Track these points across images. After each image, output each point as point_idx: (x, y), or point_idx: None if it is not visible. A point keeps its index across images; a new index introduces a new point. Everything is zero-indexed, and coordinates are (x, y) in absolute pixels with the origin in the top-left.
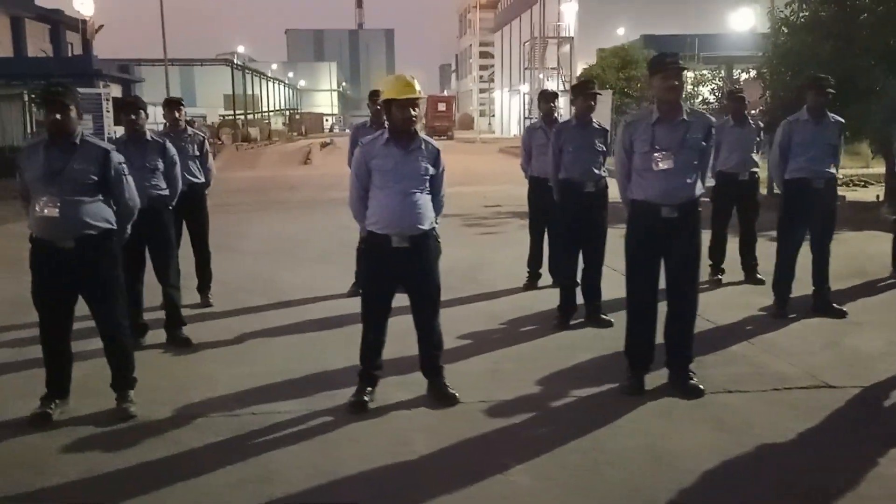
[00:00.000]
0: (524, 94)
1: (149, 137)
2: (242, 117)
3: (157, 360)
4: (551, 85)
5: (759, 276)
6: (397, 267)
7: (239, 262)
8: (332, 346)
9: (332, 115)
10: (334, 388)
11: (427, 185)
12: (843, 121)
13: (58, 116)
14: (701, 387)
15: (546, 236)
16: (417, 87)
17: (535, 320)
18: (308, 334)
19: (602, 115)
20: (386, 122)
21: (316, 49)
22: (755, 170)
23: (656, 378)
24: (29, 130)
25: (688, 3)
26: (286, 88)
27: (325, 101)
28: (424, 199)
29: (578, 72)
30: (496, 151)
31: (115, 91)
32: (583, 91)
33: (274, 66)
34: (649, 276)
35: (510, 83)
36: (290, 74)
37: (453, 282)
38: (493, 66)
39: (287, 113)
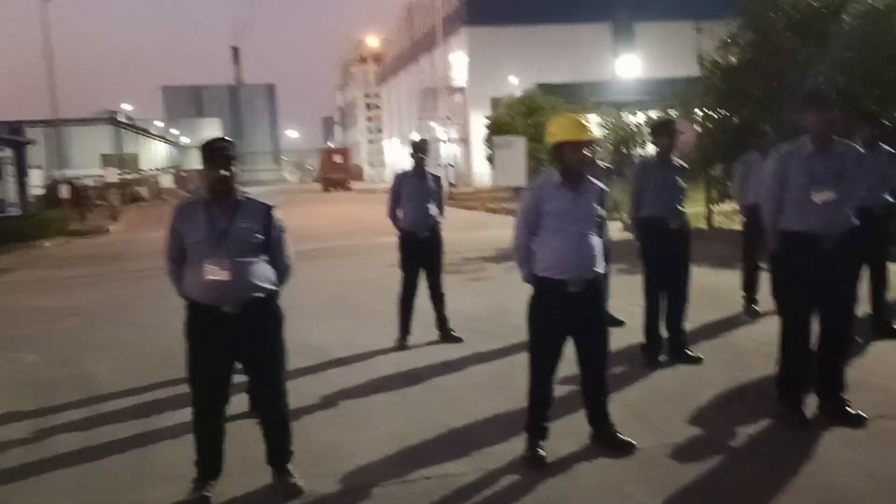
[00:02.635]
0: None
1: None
2: (129, 176)
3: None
4: (444, 134)
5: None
6: (572, 313)
7: None
8: (434, 401)
9: None
10: (480, 444)
11: (598, 226)
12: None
13: (223, 172)
14: (863, 414)
15: None
16: (589, 127)
17: (614, 359)
18: (397, 392)
19: (516, 160)
20: (556, 165)
21: (195, 105)
22: None
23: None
24: None
25: (573, 52)
26: (169, 146)
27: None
28: (598, 242)
29: (473, 120)
30: None
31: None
32: (666, 130)
33: (160, 124)
34: (809, 306)
35: (400, 133)
36: (174, 132)
37: (488, 327)
38: (380, 116)
39: (173, 171)
